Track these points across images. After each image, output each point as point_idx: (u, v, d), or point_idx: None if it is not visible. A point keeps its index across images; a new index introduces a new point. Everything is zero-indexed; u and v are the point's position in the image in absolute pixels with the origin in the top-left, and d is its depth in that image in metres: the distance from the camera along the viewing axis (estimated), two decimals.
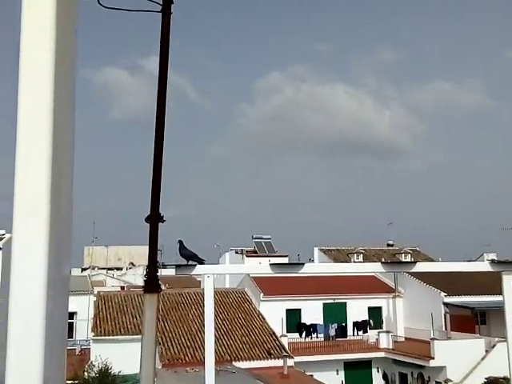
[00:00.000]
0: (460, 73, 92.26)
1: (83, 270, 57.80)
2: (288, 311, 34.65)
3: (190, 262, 4.18)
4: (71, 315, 37.62)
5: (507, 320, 3.52)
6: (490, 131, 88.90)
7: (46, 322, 1.12)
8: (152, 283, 2.57)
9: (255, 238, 46.96)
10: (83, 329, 36.03)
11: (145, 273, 2.59)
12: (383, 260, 35.17)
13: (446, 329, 32.52)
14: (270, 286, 34.96)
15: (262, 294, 34.26)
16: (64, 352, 1.32)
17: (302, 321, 34.52)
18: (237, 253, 46.39)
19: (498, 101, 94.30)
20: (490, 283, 32.58)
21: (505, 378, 12.00)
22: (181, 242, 4.14)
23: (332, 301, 35.86)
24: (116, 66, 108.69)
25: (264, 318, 32.22)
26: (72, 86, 1.29)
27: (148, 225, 2.53)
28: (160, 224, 2.62)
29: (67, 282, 1.30)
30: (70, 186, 1.30)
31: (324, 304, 35.67)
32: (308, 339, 33.62)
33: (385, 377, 33.79)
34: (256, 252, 45.00)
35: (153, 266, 2.56)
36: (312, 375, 27.31)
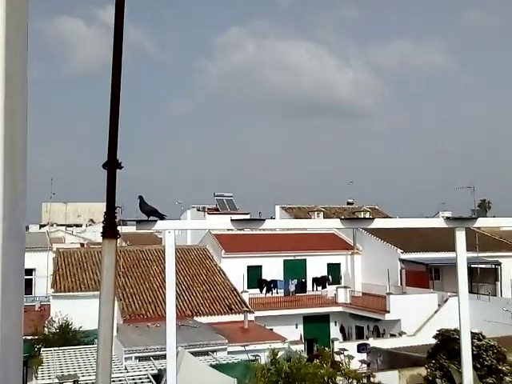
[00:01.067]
0: (421, 32, 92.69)
1: (41, 226, 56.89)
2: (249, 268, 35.13)
3: (151, 218, 4.15)
4: (30, 272, 37.19)
5: (459, 274, 3.65)
6: (449, 91, 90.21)
7: (1, 278, 1.10)
8: (110, 229, 2.55)
9: (217, 196, 46.92)
10: (42, 285, 35.72)
11: (103, 219, 2.57)
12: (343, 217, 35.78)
13: (401, 284, 33.63)
14: (232, 244, 35.25)
15: (223, 251, 34.57)
16: (21, 309, 1.30)
17: (263, 277, 35.10)
18: (198, 210, 46.35)
19: (456, 60, 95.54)
20: (444, 240, 33.64)
21: (455, 330, 12.60)
22: (141, 198, 4.09)
23: (292, 258, 36.49)
24: (70, 16, 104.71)
25: (225, 275, 32.60)
26: (24, 36, 1.23)
27: (106, 172, 2.49)
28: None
29: (23, 236, 1.28)
30: (24, 137, 1.26)
31: (284, 261, 36.28)
32: (269, 295, 34.28)
33: (342, 330, 34.92)
34: (218, 209, 45.07)
35: (111, 212, 2.53)
36: (272, 329, 27.97)
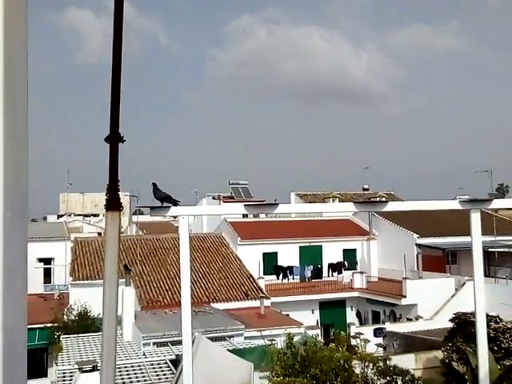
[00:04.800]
0: (436, 14, 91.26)
1: (59, 216, 57.52)
2: (265, 254, 35.20)
3: (165, 204, 4.18)
4: (49, 261, 37.69)
5: (474, 254, 3.64)
6: (465, 74, 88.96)
7: (4, 267, 1.11)
8: (113, 201, 2.59)
9: (232, 184, 47.02)
10: (61, 274, 36.20)
11: (105, 192, 2.61)
12: None
13: (417, 269, 33.50)
14: (247, 231, 35.35)
15: (239, 239, 34.68)
16: (25, 298, 1.31)
17: (279, 263, 35.16)
18: (214, 198, 46.52)
19: (473, 41, 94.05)
20: (461, 225, 33.37)
21: (472, 313, 12.57)
22: (154, 185, 4.12)
23: (308, 244, 36.49)
24: (80, 7, 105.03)
25: (241, 262, 32.73)
26: (23, 30, 1.24)
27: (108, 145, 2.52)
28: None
29: (25, 225, 1.28)
30: (25, 120, 1.27)
31: (300, 247, 36.29)
32: (285, 281, 34.36)
33: (358, 315, 34.94)
34: (233, 197, 45.17)
35: (113, 185, 2.57)
36: (288, 315, 28.07)
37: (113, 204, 2.58)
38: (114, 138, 2.47)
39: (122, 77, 2.54)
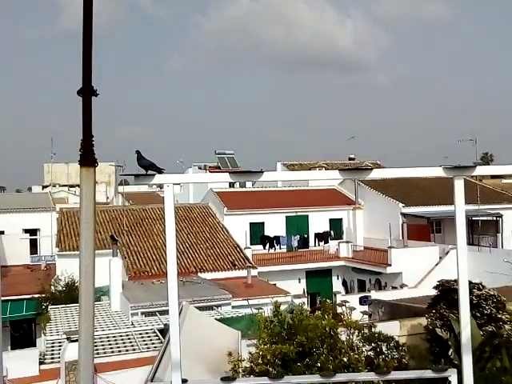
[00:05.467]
0: None
1: (44, 187, 57.10)
2: (251, 224, 35.34)
3: (149, 172, 4.12)
4: (34, 232, 37.55)
5: (457, 220, 3.67)
6: (452, 43, 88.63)
7: None
8: (88, 156, 2.53)
9: (218, 154, 46.84)
10: (47, 245, 36.12)
11: (80, 147, 2.55)
12: None
13: (402, 237, 33.87)
14: (234, 201, 35.38)
15: (225, 209, 34.73)
16: None
17: (266, 233, 35.35)
18: (200, 168, 46.42)
19: (457, 8, 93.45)
20: (445, 194, 33.69)
21: (455, 281, 12.76)
22: (138, 152, 4.04)
23: (294, 214, 36.67)
24: None
25: (228, 232, 32.84)
26: None
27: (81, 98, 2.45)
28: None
29: None
30: None
31: (287, 217, 36.46)
32: (271, 251, 34.60)
33: (344, 283, 35.40)
34: (219, 167, 45.06)
35: (87, 139, 2.51)
36: (275, 284, 28.35)
37: (87, 159, 2.53)
38: (87, 91, 2.41)
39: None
